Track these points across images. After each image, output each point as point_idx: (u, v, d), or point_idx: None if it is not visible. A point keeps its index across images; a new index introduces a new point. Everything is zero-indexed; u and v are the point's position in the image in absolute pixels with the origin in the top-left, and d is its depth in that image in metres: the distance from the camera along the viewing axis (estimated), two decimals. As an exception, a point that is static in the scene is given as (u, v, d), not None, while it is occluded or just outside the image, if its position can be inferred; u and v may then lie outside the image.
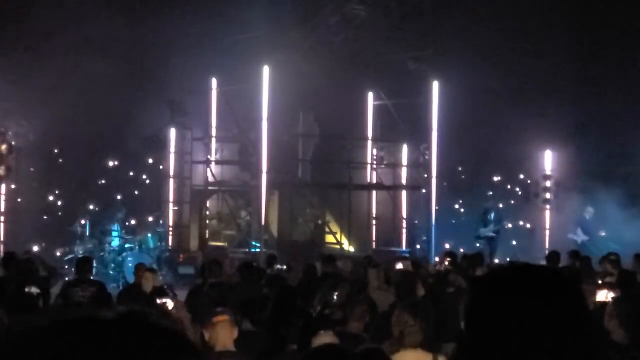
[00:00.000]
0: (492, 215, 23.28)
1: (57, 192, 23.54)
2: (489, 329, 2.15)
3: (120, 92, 21.37)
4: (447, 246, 23.20)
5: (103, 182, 24.05)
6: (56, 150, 23.66)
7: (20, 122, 21.28)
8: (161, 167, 24.55)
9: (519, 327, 2.10)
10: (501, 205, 24.33)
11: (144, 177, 24.76)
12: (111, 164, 24.21)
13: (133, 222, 22.64)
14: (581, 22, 23.14)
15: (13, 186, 22.06)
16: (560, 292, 2.18)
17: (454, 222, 26.09)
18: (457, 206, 26.70)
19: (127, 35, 21.29)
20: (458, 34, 22.85)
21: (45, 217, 23.37)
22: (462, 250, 21.13)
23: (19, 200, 22.79)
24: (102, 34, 21.12)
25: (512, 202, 26.70)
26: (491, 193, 26.10)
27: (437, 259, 19.60)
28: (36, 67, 20.35)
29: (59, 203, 23.82)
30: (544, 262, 16.10)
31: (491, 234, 23.22)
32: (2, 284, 11.66)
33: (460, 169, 26.93)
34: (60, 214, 23.55)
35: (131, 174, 24.50)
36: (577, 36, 23.43)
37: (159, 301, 9.45)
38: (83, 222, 21.57)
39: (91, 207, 22.73)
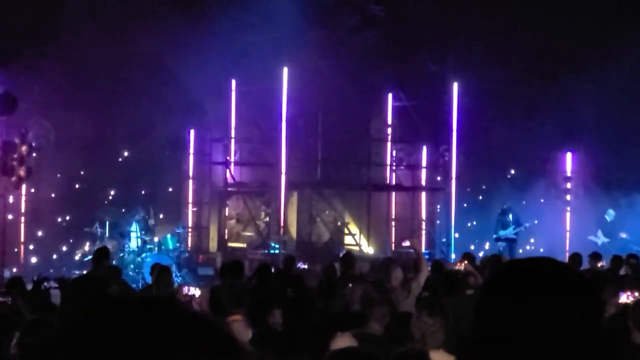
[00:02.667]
0: (511, 216, 23.18)
1: (76, 194, 23.58)
2: (494, 327, 2.07)
3: (140, 93, 21.40)
4: (472, 247, 23.12)
5: (122, 181, 24.06)
6: (76, 151, 23.70)
7: (40, 122, 21.34)
8: (181, 168, 24.59)
9: (526, 326, 2.03)
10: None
11: (164, 177, 24.78)
12: (130, 164, 24.23)
13: (151, 222, 22.67)
14: (603, 21, 23.00)
15: (33, 190, 22.12)
16: (570, 289, 2.08)
17: (474, 223, 26.02)
18: (475, 207, 26.56)
19: (146, 36, 21.32)
20: (477, 34, 22.76)
21: (65, 218, 23.43)
22: (481, 254, 21.05)
23: (40, 201, 22.85)
24: (122, 35, 21.17)
25: (532, 203, 26.55)
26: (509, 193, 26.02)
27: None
28: (58, 67, 20.41)
29: (77, 205, 23.86)
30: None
31: (512, 236, 23.13)
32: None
33: (479, 170, 26.81)
34: (79, 215, 23.59)
35: (150, 174, 24.52)
36: (598, 35, 23.27)
37: (185, 292, 9.55)
38: (101, 223, 21.63)
39: (110, 207, 22.80)
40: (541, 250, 25.00)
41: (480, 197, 26.75)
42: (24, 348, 5.24)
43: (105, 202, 23.15)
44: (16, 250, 21.42)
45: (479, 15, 22.63)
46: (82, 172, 23.43)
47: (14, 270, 20.28)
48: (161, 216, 23.57)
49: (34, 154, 20.46)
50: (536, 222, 24.33)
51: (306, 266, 14.80)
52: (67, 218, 23.37)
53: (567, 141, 24.94)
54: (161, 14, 21.36)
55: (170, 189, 24.80)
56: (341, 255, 15.62)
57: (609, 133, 23.85)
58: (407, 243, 13.14)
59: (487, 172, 26.47)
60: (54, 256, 22.20)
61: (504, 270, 2.21)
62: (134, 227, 21.59)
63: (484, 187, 26.94)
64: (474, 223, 26.08)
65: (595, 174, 24.83)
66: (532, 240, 25.35)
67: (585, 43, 23.45)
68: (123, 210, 22.49)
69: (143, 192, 23.91)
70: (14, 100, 19.13)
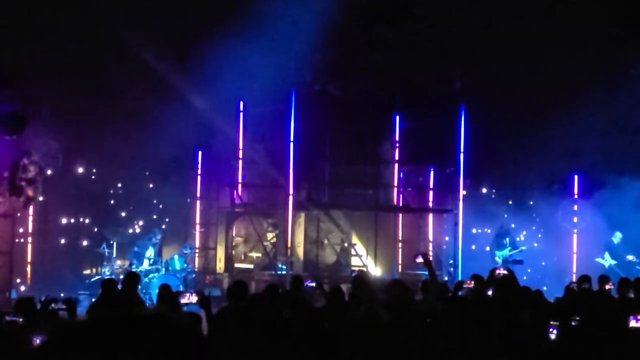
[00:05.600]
0: (507, 240, 23.26)
1: (85, 213, 23.62)
2: None
3: (149, 113, 21.47)
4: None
5: (130, 202, 24.11)
6: (84, 171, 23.75)
7: (49, 142, 21.41)
8: (189, 189, 24.63)
9: None
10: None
11: (171, 198, 24.81)
12: (138, 185, 24.29)
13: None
14: (610, 44, 23.05)
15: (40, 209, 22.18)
16: None
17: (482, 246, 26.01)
18: (482, 230, 26.54)
19: (155, 57, 21.42)
20: (485, 55, 22.81)
21: (73, 238, 23.46)
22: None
23: (47, 221, 22.89)
24: (131, 55, 21.26)
25: (539, 225, 26.53)
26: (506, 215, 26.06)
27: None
28: (67, 87, 20.51)
29: (87, 223, 23.90)
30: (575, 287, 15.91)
31: (519, 258, 23.12)
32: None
33: (485, 191, 26.81)
34: (88, 234, 23.63)
35: (158, 195, 24.56)
36: (607, 55, 23.32)
37: (182, 300, 9.74)
38: (108, 243, 21.66)
39: (117, 227, 22.84)
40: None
41: (487, 218, 26.70)
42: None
43: (113, 222, 23.16)
44: (23, 269, 21.43)
45: (486, 37, 22.68)
46: (89, 193, 23.46)
47: (22, 289, 20.33)
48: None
49: (42, 174, 20.52)
50: (536, 245, 24.29)
51: (314, 284, 14.74)
52: (75, 238, 23.41)
53: (574, 163, 24.93)
54: (170, 35, 21.45)
55: (177, 210, 24.82)
56: (353, 276, 15.61)
57: (616, 155, 23.83)
58: (420, 259, 13.15)
59: (493, 193, 26.45)
60: (62, 276, 22.21)
61: None
62: (150, 251, 21.47)
63: (490, 208, 26.89)
64: (481, 244, 26.04)
65: (602, 196, 24.79)
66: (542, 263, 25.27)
67: (593, 66, 23.47)
68: (130, 231, 22.51)
69: (153, 214, 23.96)
70: (23, 120, 19.19)
